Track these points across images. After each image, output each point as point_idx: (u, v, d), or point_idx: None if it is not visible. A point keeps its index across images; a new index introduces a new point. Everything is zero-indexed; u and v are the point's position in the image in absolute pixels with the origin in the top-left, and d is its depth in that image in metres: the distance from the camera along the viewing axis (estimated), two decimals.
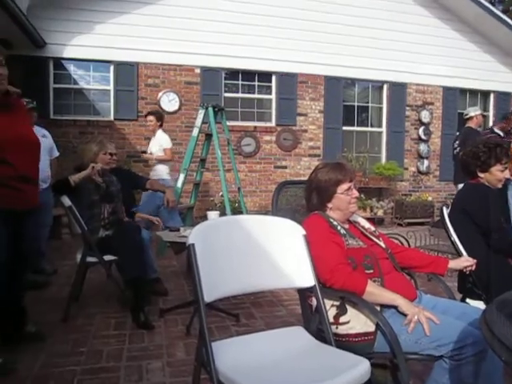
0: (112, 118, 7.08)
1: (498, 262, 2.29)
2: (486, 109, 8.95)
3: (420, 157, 8.60)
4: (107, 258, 3.21)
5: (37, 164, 2.61)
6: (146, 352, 2.59)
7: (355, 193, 1.93)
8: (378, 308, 1.68)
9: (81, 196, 3.27)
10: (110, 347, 2.64)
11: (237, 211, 6.18)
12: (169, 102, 7.24)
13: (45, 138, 4.12)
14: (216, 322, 3.03)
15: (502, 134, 5.46)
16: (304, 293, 1.85)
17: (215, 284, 1.53)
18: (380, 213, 7.83)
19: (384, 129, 8.47)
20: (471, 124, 5.66)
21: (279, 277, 1.72)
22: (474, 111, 5.69)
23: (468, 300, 2.34)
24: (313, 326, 1.76)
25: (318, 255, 1.73)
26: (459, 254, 2.30)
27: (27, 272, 3.04)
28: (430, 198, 8.29)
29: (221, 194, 6.90)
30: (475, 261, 2.05)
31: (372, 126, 8.58)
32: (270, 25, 7.40)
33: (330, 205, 1.92)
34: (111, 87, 7.09)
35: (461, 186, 5.04)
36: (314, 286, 1.71)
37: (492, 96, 9.08)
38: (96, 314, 3.22)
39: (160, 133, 5.54)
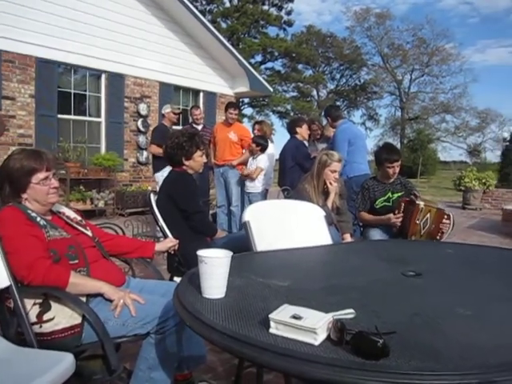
0: None
1: (197, 240, 2.58)
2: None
3: (139, 148, 8.83)
4: None
5: None
6: None
7: (54, 183, 1.80)
8: (84, 299, 1.65)
9: None
10: None
11: None
12: None
13: None
14: None
15: (199, 127, 6.16)
16: (1, 295, 1.65)
17: None
18: (101, 204, 7.68)
19: (103, 119, 8.33)
20: (164, 121, 5.96)
21: None
22: (164, 109, 6.01)
23: (175, 278, 2.55)
24: (12, 331, 1.61)
25: (13, 251, 1.58)
26: (166, 237, 2.48)
27: None
28: (149, 188, 8.63)
29: None
30: (177, 241, 2.25)
31: (91, 115, 8.32)
32: None
33: (25, 195, 1.75)
34: None
35: (158, 174, 5.59)
36: (10, 285, 1.55)
37: (202, 94, 10.07)
38: None
39: None
